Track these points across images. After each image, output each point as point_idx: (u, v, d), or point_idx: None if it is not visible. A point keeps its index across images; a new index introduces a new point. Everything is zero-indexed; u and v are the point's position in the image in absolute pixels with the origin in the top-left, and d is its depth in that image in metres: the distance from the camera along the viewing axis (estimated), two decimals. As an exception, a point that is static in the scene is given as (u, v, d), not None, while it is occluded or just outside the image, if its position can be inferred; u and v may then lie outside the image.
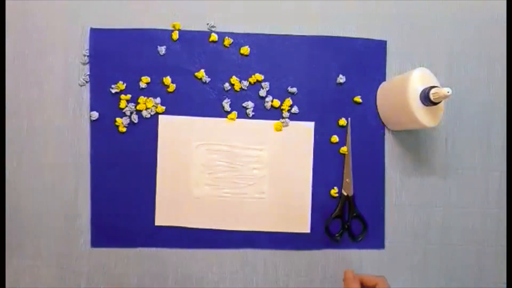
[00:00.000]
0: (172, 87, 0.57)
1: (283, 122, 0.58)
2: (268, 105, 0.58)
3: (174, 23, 0.58)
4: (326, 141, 0.58)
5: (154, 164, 0.57)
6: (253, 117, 0.58)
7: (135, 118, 0.56)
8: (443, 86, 0.48)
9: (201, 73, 0.57)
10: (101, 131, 0.57)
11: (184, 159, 0.57)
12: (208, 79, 0.57)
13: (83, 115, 0.57)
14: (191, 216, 0.57)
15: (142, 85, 0.57)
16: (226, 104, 0.57)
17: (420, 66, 0.52)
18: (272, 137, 0.58)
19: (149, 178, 0.57)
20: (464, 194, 0.59)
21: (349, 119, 0.58)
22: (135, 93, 0.57)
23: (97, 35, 0.57)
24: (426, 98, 0.48)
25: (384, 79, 0.59)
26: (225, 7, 0.58)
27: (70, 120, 0.57)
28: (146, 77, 0.57)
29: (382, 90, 0.58)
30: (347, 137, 0.58)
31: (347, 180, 0.58)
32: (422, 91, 0.49)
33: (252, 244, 0.57)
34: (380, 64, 0.59)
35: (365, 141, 0.58)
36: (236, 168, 0.57)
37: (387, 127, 0.59)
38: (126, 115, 0.57)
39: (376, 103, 0.59)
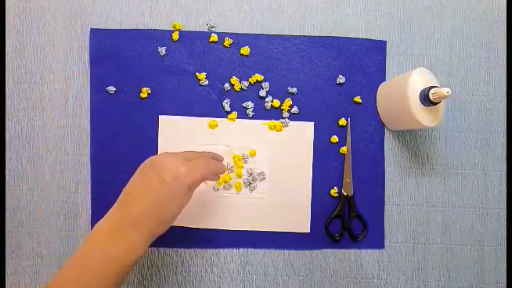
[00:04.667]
0: (172, 88, 0.57)
1: (283, 122, 0.58)
2: (268, 105, 0.58)
3: (174, 23, 0.58)
4: (326, 141, 0.58)
5: (154, 164, 0.57)
6: (253, 117, 0.58)
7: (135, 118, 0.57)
8: (443, 86, 0.48)
9: (201, 74, 0.57)
10: (101, 130, 0.57)
11: (184, 159, 0.57)
12: (208, 79, 0.57)
13: (83, 115, 0.57)
14: (191, 216, 0.57)
15: (143, 85, 0.57)
16: (226, 104, 0.57)
17: (420, 66, 0.52)
18: (272, 137, 0.58)
19: (149, 178, 0.57)
20: (464, 194, 0.59)
21: (349, 119, 0.58)
22: (135, 93, 0.57)
23: (97, 35, 0.57)
24: (425, 98, 0.48)
25: (384, 79, 0.59)
26: (225, 7, 0.58)
27: (70, 120, 0.57)
28: (146, 77, 0.57)
29: (382, 90, 0.58)
30: (347, 137, 0.58)
31: (347, 180, 0.58)
32: (421, 91, 0.49)
33: (252, 244, 0.57)
34: (380, 64, 0.59)
35: (365, 141, 0.58)
36: (236, 168, 0.57)
37: (387, 127, 0.59)
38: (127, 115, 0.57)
39: (376, 103, 0.59)
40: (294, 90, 0.58)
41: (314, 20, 0.59)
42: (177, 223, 0.57)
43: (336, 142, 0.58)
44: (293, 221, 0.57)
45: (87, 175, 0.57)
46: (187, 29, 0.58)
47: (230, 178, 0.57)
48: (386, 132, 0.59)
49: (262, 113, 0.58)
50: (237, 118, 0.57)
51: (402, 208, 0.59)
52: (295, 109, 0.58)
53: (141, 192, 0.43)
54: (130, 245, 0.41)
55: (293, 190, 0.57)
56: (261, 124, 0.58)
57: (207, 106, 0.57)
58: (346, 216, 0.58)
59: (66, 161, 0.57)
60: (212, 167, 0.46)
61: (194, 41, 0.58)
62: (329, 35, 0.59)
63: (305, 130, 0.58)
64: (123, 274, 0.41)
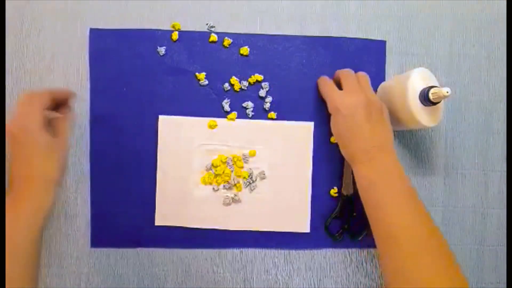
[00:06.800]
0: (172, 88, 0.57)
1: (282, 122, 0.57)
2: (268, 105, 0.57)
3: (174, 23, 0.58)
4: (326, 141, 0.58)
5: (154, 164, 0.57)
6: (253, 117, 0.58)
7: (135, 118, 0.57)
8: (443, 86, 0.48)
9: (201, 74, 0.57)
10: (101, 131, 0.57)
11: (184, 159, 0.57)
12: (208, 80, 0.57)
13: (83, 115, 0.57)
14: (191, 216, 0.57)
15: (142, 85, 0.57)
16: (226, 104, 0.57)
17: (420, 66, 0.52)
18: (272, 137, 0.58)
19: (149, 178, 0.57)
20: (464, 194, 0.59)
21: (349, 119, 0.58)
22: (135, 93, 0.57)
23: (97, 35, 0.57)
24: (425, 98, 0.48)
25: (383, 79, 0.59)
26: (225, 7, 0.58)
27: (70, 120, 0.57)
28: (146, 77, 0.57)
29: (382, 90, 0.58)
30: (347, 137, 0.58)
31: (347, 180, 0.58)
32: (421, 91, 0.49)
33: (252, 244, 0.57)
34: (379, 64, 0.59)
35: (365, 141, 0.58)
36: (236, 168, 0.57)
37: (387, 127, 0.59)
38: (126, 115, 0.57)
39: (376, 103, 0.59)
40: (294, 90, 0.58)
41: (314, 20, 0.59)
42: (177, 223, 0.57)
43: (336, 142, 0.58)
44: (293, 221, 0.57)
45: (87, 175, 0.57)
46: (186, 29, 0.58)
47: (230, 178, 0.57)
48: (386, 132, 0.59)
49: (262, 113, 0.58)
50: (237, 118, 0.57)
51: (402, 208, 0.58)
52: (294, 109, 0.58)
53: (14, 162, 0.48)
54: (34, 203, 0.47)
55: (293, 190, 0.57)
56: (261, 124, 0.58)
57: (207, 106, 0.57)
58: (346, 216, 0.58)
59: (66, 161, 0.57)
60: (47, 93, 0.49)
61: (193, 41, 0.58)
62: (329, 35, 0.59)
63: (305, 130, 0.58)
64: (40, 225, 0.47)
